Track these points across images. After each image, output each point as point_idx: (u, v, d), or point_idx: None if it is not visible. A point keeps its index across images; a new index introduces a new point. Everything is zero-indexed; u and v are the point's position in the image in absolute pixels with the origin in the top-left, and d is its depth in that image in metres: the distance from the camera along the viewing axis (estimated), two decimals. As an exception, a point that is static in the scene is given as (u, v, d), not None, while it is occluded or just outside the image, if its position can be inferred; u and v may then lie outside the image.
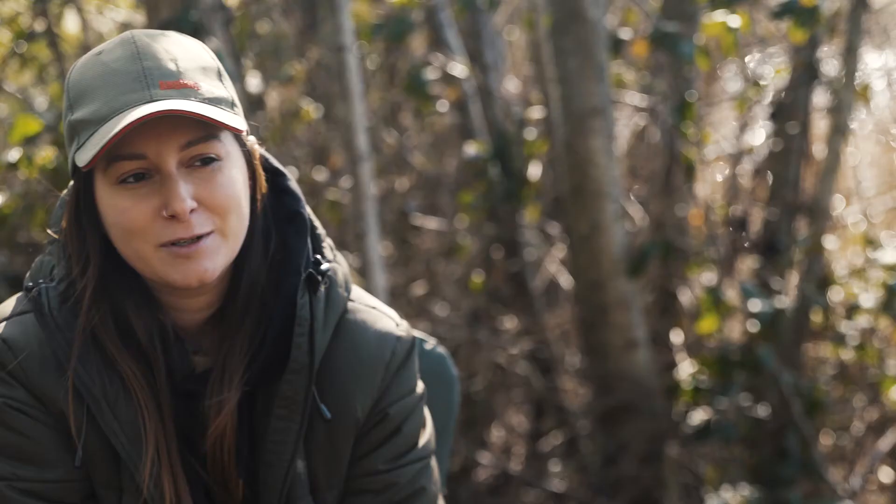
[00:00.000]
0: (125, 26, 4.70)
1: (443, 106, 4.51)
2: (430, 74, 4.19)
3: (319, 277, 1.61)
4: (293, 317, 1.59)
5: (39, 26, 3.85)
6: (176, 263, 1.51)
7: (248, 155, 1.60)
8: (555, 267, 4.62)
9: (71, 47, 4.40)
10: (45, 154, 3.44)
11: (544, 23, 3.91)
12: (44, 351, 1.55)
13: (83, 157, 1.48)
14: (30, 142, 3.43)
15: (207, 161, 1.52)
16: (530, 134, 4.35)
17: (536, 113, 4.49)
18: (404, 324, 1.73)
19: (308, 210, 1.66)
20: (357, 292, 1.72)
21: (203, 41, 3.12)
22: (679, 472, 3.88)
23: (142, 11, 3.61)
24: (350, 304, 1.68)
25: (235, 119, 1.53)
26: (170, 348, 1.57)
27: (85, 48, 4.33)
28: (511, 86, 4.85)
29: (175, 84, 1.50)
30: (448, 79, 4.38)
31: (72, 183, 1.59)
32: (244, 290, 1.59)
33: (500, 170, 4.22)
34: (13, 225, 3.88)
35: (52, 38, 3.87)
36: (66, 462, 1.56)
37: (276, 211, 1.65)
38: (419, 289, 4.48)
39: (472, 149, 4.29)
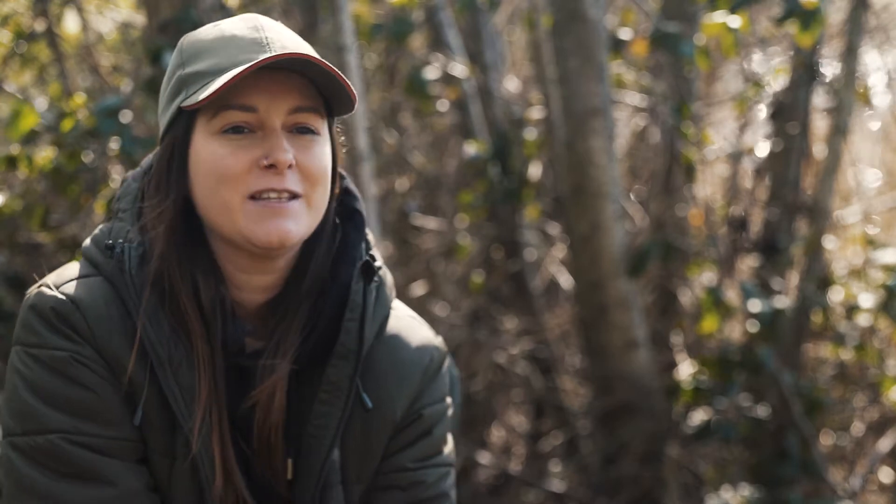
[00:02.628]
0: (125, 26, 4.70)
1: (443, 106, 4.51)
2: (430, 74, 4.19)
3: (376, 267, 1.68)
4: (345, 304, 1.65)
5: (39, 26, 3.85)
6: (262, 218, 1.56)
7: (333, 143, 1.65)
8: (555, 267, 4.62)
9: (71, 47, 4.39)
10: (46, 154, 3.43)
11: (544, 23, 3.91)
12: (111, 311, 1.59)
13: (198, 98, 1.52)
14: (29, 141, 3.42)
15: (305, 131, 1.59)
16: (530, 134, 4.34)
17: (536, 113, 4.49)
18: (439, 337, 1.83)
19: (364, 209, 1.73)
20: (398, 302, 1.80)
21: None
22: (679, 472, 3.88)
23: (142, 11, 3.60)
24: (392, 312, 1.76)
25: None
26: (227, 321, 1.61)
27: (85, 48, 4.34)
28: (511, 86, 4.85)
29: (294, 53, 1.56)
30: (448, 79, 4.38)
31: (161, 145, 1.63)
32: (311, 274, 1.65)
33: (500, 170, 4.22)
34: (13, 225, 3.87)
35: (52, 38, 3.87)
36: (125, 422, 1.58)
37: (338, 207, 1.71)
38: (419, 289, 4.48)
39: (472, 149, 4.29)
